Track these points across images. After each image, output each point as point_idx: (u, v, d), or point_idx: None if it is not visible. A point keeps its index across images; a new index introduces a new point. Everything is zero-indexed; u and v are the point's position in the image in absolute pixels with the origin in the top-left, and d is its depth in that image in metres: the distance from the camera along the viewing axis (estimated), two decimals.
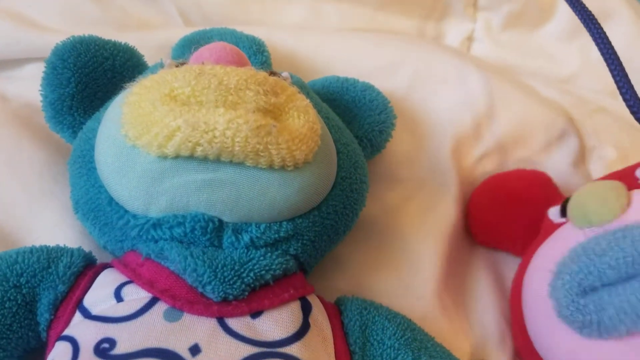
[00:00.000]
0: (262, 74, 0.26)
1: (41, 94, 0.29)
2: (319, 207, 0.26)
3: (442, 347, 0.27)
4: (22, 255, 0.25)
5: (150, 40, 0.37)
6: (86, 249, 0.27)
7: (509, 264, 0.35)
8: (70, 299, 0.24)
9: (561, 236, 0.28)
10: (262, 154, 0.23)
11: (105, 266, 0.26)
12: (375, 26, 0.45)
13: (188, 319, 0.22)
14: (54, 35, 0.38)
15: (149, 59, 0.33)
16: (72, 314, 0.24)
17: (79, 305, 0.24)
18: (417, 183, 0.36)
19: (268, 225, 0.25)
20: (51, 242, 0.27)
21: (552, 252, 0.27)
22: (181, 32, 0.37)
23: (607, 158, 0.38)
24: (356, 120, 0.34)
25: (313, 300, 0.26)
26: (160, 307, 0.23)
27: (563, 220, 0.29)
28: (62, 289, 0.24)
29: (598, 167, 0.38)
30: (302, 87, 0.31)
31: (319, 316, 0.25)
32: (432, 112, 0.38)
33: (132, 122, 0.24)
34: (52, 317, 0.24)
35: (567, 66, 0.48)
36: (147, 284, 0.23)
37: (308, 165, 0.25)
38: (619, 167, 0.38)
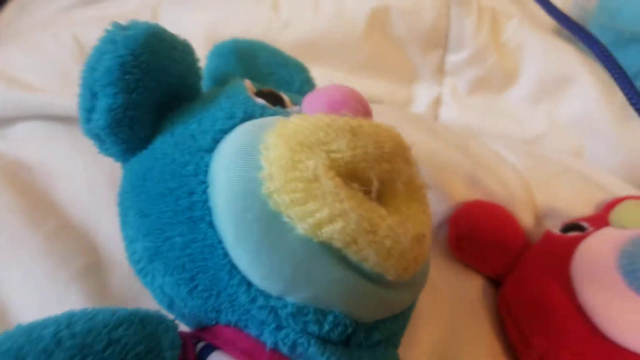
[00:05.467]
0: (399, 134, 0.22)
1: (96, 97, 0.22)
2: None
3: None
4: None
5: None
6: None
7: None
8: None
9: (603, 235, 0.33)
10: (408, 269, 0.21)
11: (198, 342, 0.22)
12: None
13: None
14: (47, 95, 0.40)
15: None
16: None
17: None
18: None
19: (391, 321, 0.23)
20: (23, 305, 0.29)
21: (600, 244, 0.32)
22: None
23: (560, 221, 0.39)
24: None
25: None
26: None
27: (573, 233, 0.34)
28: None
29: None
30: None
31: None
32: None
33: (285, 187, 0.19)
34: None
35: (533, 128, 0.50)
36: None
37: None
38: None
